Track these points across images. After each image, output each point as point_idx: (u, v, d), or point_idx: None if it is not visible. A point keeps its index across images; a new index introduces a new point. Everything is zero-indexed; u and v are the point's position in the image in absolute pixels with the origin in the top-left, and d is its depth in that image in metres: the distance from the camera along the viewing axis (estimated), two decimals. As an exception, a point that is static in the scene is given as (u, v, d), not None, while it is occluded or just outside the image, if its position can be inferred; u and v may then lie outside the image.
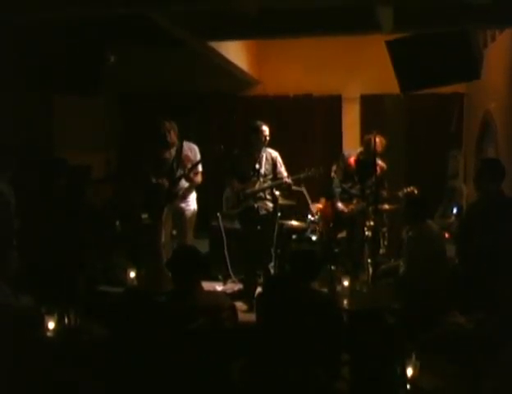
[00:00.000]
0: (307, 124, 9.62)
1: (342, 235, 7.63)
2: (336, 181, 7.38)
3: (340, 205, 7.32)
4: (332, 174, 7.92)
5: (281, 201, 7.41)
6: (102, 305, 5.05)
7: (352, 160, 7.32)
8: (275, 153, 7.14)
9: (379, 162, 7.14)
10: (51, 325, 4.21)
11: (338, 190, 7.36)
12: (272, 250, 7.25)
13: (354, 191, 7.36)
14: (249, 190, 6.99)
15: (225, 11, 5.60)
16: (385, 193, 7.39)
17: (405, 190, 7.24)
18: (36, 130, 7.15)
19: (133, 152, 9.50)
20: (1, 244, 5.14)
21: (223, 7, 5.19)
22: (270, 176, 7.06)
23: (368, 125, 9.07)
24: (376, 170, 6.93)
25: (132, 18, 6.05)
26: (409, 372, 3.51)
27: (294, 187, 7.41)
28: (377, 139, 6.95)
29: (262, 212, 7.05)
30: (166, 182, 7.05)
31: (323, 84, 9.35)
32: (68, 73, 6.20)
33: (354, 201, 7.30)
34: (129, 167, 9.30)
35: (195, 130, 8.45)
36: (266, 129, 6.98)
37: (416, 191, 7.17)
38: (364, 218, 7.26)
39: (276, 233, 7.26)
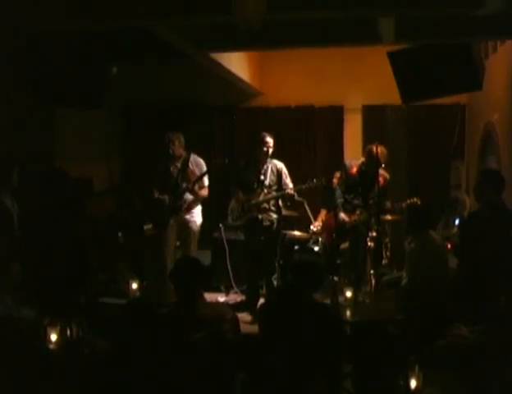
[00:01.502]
0: (309, 135, 9.63)
1: (345, 245, 7.59)
2: (339, 192, 7.30)
3: (342, 215, 7.22)
4: (334, 180, 7.92)
5: (283, 212, 7.42)
6: (104, 317, 5.04)
7: (354, 170, 7.29)
8: (280, 165, 7.16)
9: (382, 172, 7.12)
10: (53, 337, 4.20)
11: (341, 200, 7.26)
12: (276, 262, 7.25)
13: (356, 202, 7.31)
14: (253, 201, 7.01)
15: (226, 23, 5.61)
16: (388, 204, 7.36)
17: (408, 201, 7.22)
18: (37, 142, 7.16)
19: (136, 164, 9.53)
20: (3, 256, 5.13)
21: (225, 21, 5.20)
22: (275, 188, 7.08)
23: (369, 136, 9.08)
24: (379, 180, 6.93)
25: (132, 31, 6.06)
26: (412, 383, 3.50)
27: (296, 198, 7.42)
28: (379, 150, 6.94)
29: (266, 223, 7.06)
30: (167, 197, 7.10)
31: (325, 95, 9.37)
32: (70, 86, 6.22)
33: (357, 212, 7.25)
34: (131, 179, 9.32)
35: (197, 141, 8.46)
36: (270, 140, 7.01)
37: (419, 202, 7.15)
38: (367, 229, 7.24)
39: (279, 244, 7.26)
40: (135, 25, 5.54)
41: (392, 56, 6.18)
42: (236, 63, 7.96)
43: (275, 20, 5.47)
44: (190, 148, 7.45)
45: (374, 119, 9.35)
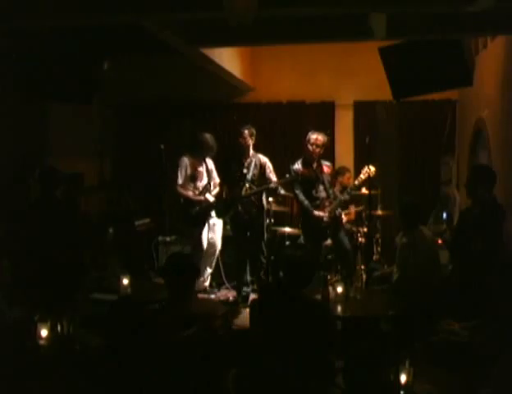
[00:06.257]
0: (300, 130, 9.61)
1: (327, 242, 7.46)
2: (301, 196, 7.08)
3: (316, 213, 7.03)
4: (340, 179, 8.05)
5: (274, 207, 7.44)
6: (95, 313, 5.03)
7: (301, 168, 7.07)
8: (264, 159, 7.20)
9: (324, 162, 7.19)
10: (44, 333, 4.19)
11: (306, 202, 7.05)
12: (262, 257, 7.25)
13: (321, 194, 7.16)
14: (235, 196, 7.07)
15: (217, 18, 5.59)
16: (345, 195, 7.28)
17: (365, 170, 7.00)
18: (30, 139, 7.14)
19: (126, 161, 9.51)
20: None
21: (215, 16, 5.18)
22: (257, 182, 7.11)
23: (360, 132, 9.12)
24: (322, 168, 7.07)
25: (122, 26, 6.04)
26: (403, 378, 3.51)
27: (282, 192, 7.41)
28: (319, 138, 6.99)
29: (245, 217, 7.08)
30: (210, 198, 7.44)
31: (316, 91, 9.37)
32: (57, 81, 6.20)
33: (326, 203, 7.08)
34: (122, 175, 9.31)
35: (188, 138, 8.45)
36: (247, 132, 7.08)
37: (373, 168, 6.99)
38: (341, 221, 7.29)
39: (265, 239, 7.25)
40: (124, 21, 5.52)
41: (383, 52, 6.18)
42: (228, 59, 7.94)
43: (266, 16, 5.47)
44: (181, 144, 7.51)
45: (365, 115, 9.36)
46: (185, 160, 7.42)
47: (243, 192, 7.07)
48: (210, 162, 7.58)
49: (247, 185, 7.08)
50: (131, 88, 9.12)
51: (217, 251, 7.59)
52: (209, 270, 7.57)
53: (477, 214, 5.43)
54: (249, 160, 7.14)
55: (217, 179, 7.59)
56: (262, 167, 7.15)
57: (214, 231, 7.51)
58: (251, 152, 7.18)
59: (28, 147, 7.06)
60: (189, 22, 6.00)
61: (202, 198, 7.38)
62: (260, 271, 7.29)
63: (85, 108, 7.46)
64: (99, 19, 5.13)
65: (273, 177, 7.14)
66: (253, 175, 7.11)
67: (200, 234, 7.41)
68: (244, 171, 7.10)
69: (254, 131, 7.22)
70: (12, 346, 4.02)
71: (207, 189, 7.43)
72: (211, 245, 7.50)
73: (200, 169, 7.46)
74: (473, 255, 5.25)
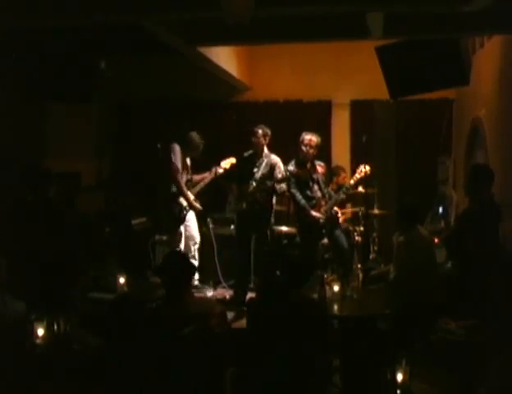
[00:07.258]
0: (297, 129, 9.58)
1: (324, 241, 7.47)
2: (298, 195, 7.13)
3: (313, 213, 7.07)
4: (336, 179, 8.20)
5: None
6: (92, 312, 5.03)
7: (296, 169, 7.15)
8: (276, 160, 7.21)
9: (318, 162, 7.32)
10: (40, 332, 4.18)
11: (303, 201, 7.10)
12: (263, 256, 7.25)
13: (316, 194, 7.19)
14: (242, 194, 7.09)
15: (215, 17, 5.59)
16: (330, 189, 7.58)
17: (360, 169, 7.18)
18: (30, 139, 7.14)
19: (126, 160, 9.50)
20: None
21: (213, 15, 5.18)
22: (266, 181, 7.10)
23: (357, 131, 9.13)
24: (316, 168, 7.18)
25: (120, 25, 6.04)
26: (399, 377, 3.52)
27: (287, 193, 7.41)
28: (313, 139, 7.06)
29: (249, 216, 7.09)
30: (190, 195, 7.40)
31: (313, 90, 9.38)
32: (57, 81, 6.20)
33: (323, 203, 7.15)
34: (121, 175, 9.30)
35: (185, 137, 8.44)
36: (261, 132, 7.08)
37: (368, 168, 7.15)
38: (337, 219, 7.37)
39: (269, 239, 7.27)
40: (123, 20, 5.52)
41: (380, 51, 6.20)
42: (225, 58, 7.94)
43: (263, 15, 5.47)
44: (179, 143, 7.51)
45: (362, 114, 9.37)
46: (177, 147, 7.41)
47: (249, 190, 7.08)
48: (189, 162, 7.60)
49: (254, 184, 7.08)
50: (131, 88, 9.12)
51: (198, 244, 7.59)
52: (195, 263, 7.54)
53: (476, 213, 5.44)
54: (260, 160, 7.16)
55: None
56: (272, 168, 7.15)
57: (190, 226, 7.53)
58: (265, 152, 7.19)
59: (28, 147, 7.05)
60: (187, 21, 6.00)
61: (190, 194, 7.39)
62: (261, 270, 7.30)
63: (85, 108, 7.46)
64: (99, 19, 5.13)
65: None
66: (262, 174, 7.11)
67: (182, 230, 7.45)
68: (254, 170, 7.12)
69: (269, 131, 7.21)
70: (12, 346, 4.02)
71: (188, 186, 7.43)
72: (190, 238, 7.51)
73: (185, 164, 7.48)
74: (471, 254, 5.26)
